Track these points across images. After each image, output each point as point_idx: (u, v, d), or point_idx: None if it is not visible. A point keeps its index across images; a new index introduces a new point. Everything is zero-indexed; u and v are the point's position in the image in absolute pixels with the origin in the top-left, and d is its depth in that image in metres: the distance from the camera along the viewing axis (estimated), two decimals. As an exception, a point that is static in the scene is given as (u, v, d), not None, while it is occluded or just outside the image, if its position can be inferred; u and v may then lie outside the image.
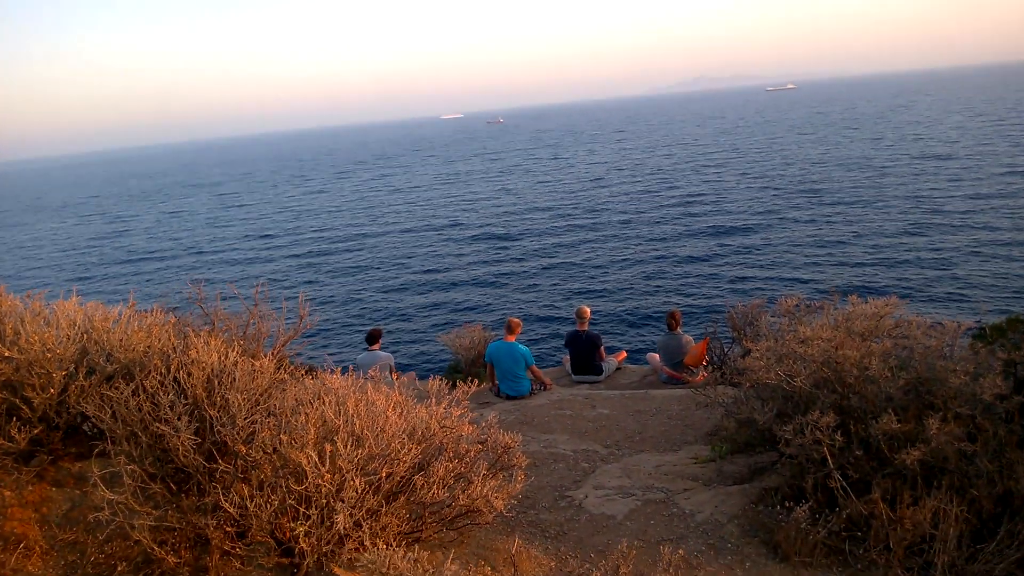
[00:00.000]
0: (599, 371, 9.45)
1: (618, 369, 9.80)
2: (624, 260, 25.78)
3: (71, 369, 4.35)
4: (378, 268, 28.90)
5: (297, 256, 33.36)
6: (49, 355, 4.12)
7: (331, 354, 18.51)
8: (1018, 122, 63.61)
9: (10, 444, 3.96)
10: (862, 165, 44.96)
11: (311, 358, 13.69)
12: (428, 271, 27.31)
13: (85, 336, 4.58)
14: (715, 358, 8.41)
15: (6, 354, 4.02)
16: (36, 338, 4.11)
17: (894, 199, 32.49)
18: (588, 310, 9.81)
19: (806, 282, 21.02)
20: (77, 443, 4.51)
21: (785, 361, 5.07)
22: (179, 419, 3.95)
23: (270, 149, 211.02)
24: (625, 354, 10.31)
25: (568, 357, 9.75)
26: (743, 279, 21.96)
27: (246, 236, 40.92)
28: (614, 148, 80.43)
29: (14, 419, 4.07)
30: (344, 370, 10.35)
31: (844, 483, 4.15)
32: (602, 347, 9.57)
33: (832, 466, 4.21)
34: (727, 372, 7.32)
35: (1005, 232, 24.50)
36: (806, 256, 23.93)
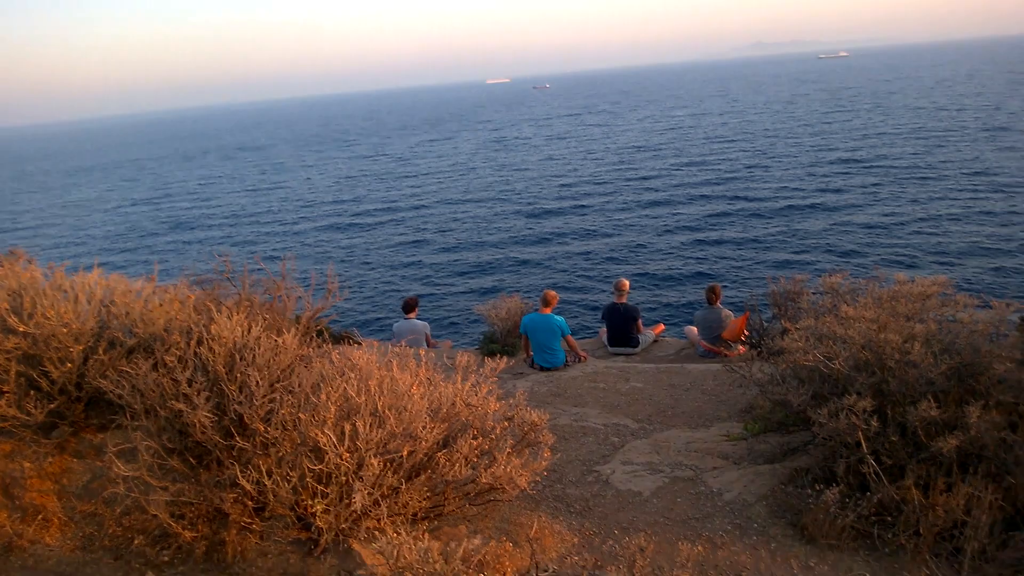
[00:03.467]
0: (635, 343, 9.30)
1: (655, 342, 9.64)
2: (667, 233, 25.29)
3: (91, 343, 4.39)
4: (419, 236, 28.95)
5: (339, 222, 33.54)
6: (66, 329, 4.13)
7: (368, 322, 18.69)
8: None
9: (27, 417, 4.02)
10: (919, 135, 43.21)
11: (347, 325, 13.85)
12: (468, 240, 27.22)
13: (105, 310, 4.61)
14: (754, 333, 8.18)
15: (21, 328, 4.06)
16: (52, 312, 4.13)
17: (951, 174, 31.11)
18: (627, 282, 9.64)
19: (853, 256, 20.36)
20: (99, 414, 4.58)
21: (824, 342, 4.87)
22: (198, 395, 3.97)
23: (315, 112, 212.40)
24: (663, 327, 10.13)
25: (605, 329, 9.61)
26: (789, 252, 21.39)
27: (288, 202, 41.28)
28: (665, 116, 78.62)
29: (32, 392, 4.13)
30: (381, 339, 10.36)
31: (877, 468, 3.97)
32: (639, 319, 9.40)
33: (866, 451, 4.04)
34: (765, 349, 7.11)
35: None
36: (858, 232, 23.11)
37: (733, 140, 49.70)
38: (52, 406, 4.11)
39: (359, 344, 9.01)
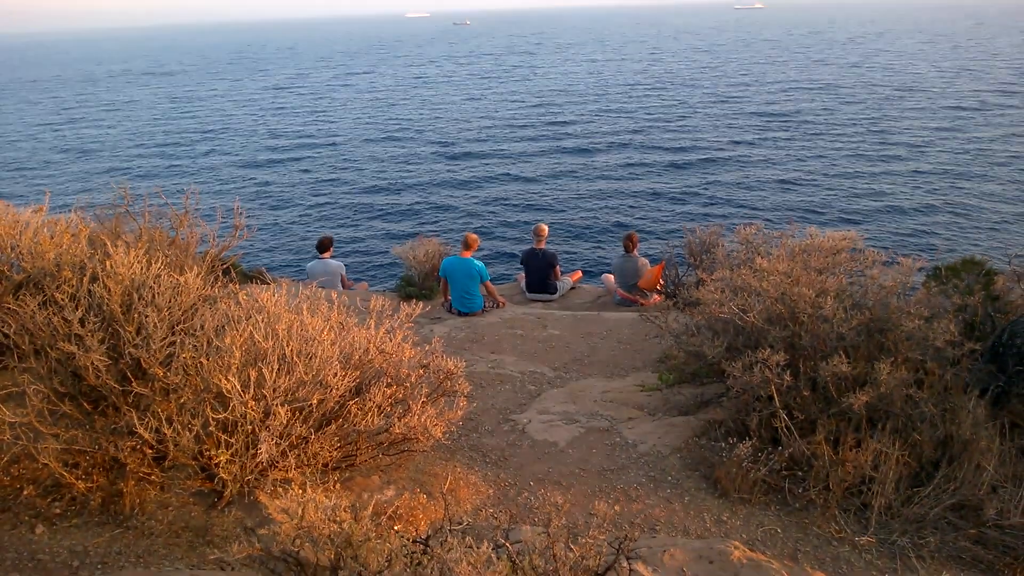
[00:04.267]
0: (553, 290, 9.32)
1: (572, 288, 9.68)
2: (585, 178, 25.28)
3: (-29, 277, 4.00)
4: (336, 174, 27.99)
5: (253, 157, 31.99)
6: (-62, 261, 3.73)
7: (281, 262, 18.09)
8: (975, 56, 63.49)
9: None
10: (830, 91, 44.64)
11: (258, 265, 13.32)
12: (387, 180, 26.48)
13: (-11, 241, 4.20)
14: (670, 283, 8.30)
15: None
16: (-76, 245, 3.72)
17: (860, 131, 32.41)
18: (546, 228, 9.59)
19: (767, 210, 20.99)
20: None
21: (739, 294, 4.95)
22: (91, 336, 3.68)
23: (227, 38, 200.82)
24: (580, 274, 10.17)
25: (523, 275, 9.58)
26: (704, 203, 21.80)
27: (196, 132, 39.05)
28: (586, 60, 78.17)
29: None
30: (294, 279, 9.99)
31: (789, 423, 4.08)
32: (558, 266, 9.40)
33: (779, 405, 4.14)
34: (680, 298, 7.23)
35: (959, 167, 24.73)
36: (772, 183, 23.79)
37: (652, 88, 50.00)
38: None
39: (269, 284, 8.66)
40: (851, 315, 4.40)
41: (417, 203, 23.15)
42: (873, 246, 5.77)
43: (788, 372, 4.16)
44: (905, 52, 71.85)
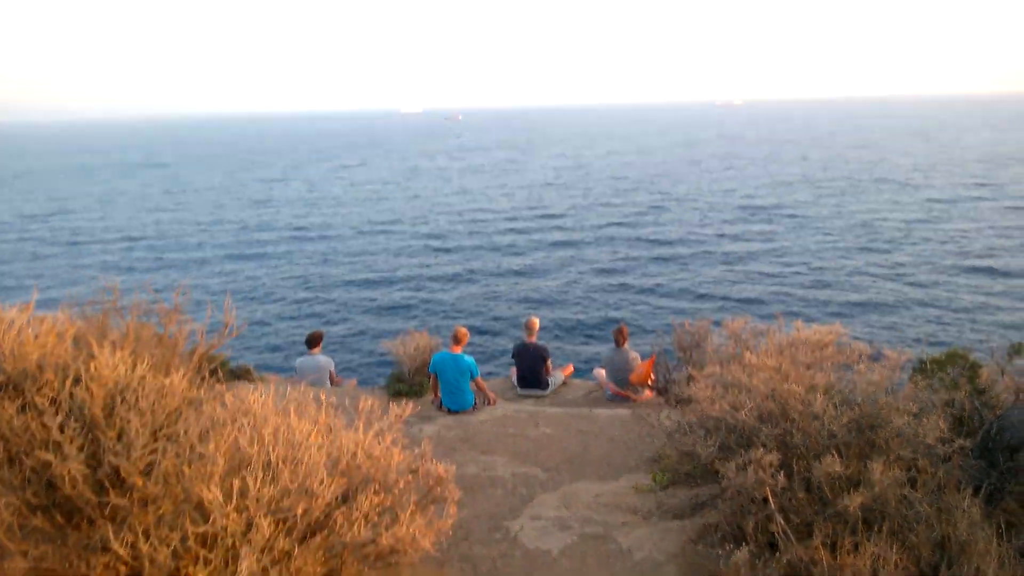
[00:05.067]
0: (545, 385, 9.24)
1: (564, 383, 9.60)
2: (575, 271, 25.56)
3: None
4: (325, 266, 28.21)
5: (245, 250, 32.23)
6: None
7: (270, 355, 17.95)
8: (945, 148, 65.87)
9: None
10: (813, 184, 45.98)
11: (247, 359, 13.20)
12: (375, 273, 26.68)
13: (-30, 342, 4.13)
14: (660, 378, 8.26)
15: None
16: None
17: (840, 222, 33.19)
18: (537, 321, 9.60)
19: (755, 302, 21.17)
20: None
21: (730, 391, 4.92)
22: (70, 443, 3.58)
23: (224, 131, 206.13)
24: (572, 368, 10.11)
25: (515, 369, 9.51)
26: (691, 297, 21.98)
27: (188, 224, 39.46)
28: (576, 155, 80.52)
29: None
30: (284, 375, 9.90)
31: (785, 527, 3.98)
32: (549, 360, 9.36)
33: (774, 507, 4.04)
34: (672, 395, 7.18)
35: (937, 259, 25.24)
36: (757, 276, 24.11)
37: (639, 181, 51.33)
38: None
39: (256, 383, 8.56)
40: (841, 412, 4.38)
41: (407, 297, 23.24)
42: (858, 339, 5.80)
43: (782, 472, 4.09)
44: (880, 146, 74.55)
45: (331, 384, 9.55)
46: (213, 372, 5.38)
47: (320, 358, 9.63)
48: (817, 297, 21.29)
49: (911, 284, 22.30)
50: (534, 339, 9.41)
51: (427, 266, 27.25)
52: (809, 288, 22.31)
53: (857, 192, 41.64)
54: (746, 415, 4.64)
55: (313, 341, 9.78)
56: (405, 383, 9.01)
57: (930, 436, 4.04)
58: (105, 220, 42.19)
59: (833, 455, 4.04)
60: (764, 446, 4.33)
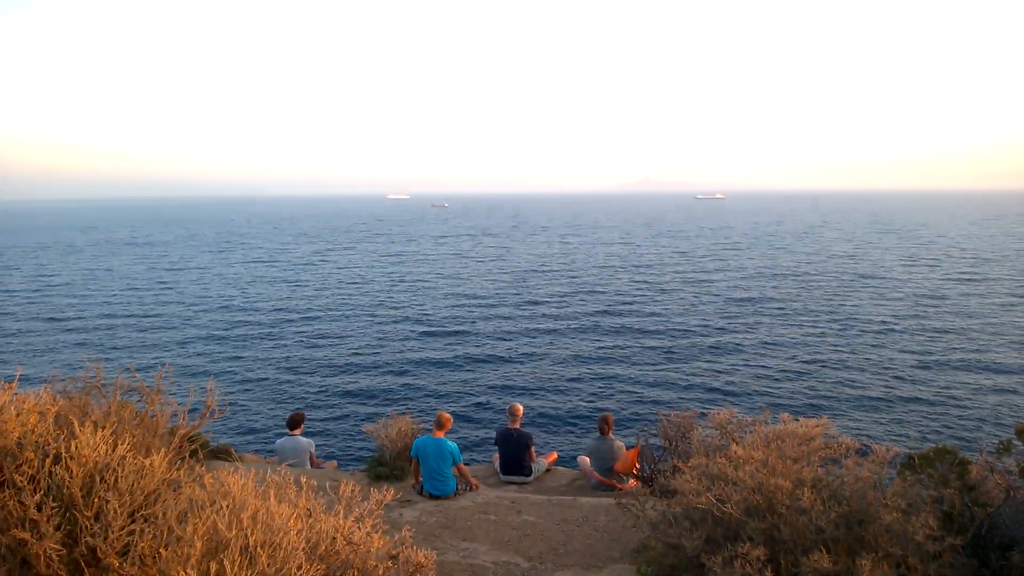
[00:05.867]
0: (528, 472, 9.12)
1: (548, 471, 9.48)
2: (559, 359, 25.56)
3: (-71, 456, 3.87)
4: (309, 348, 28.03)
5: (228, 331, 32.06)
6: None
7: (250, 433, 17.60)
8: (929, 244, 67.60)
9: None
10: (796, 276, 46.79)
11: (228, 438, 12.97)
12: (358, 356, 26.52)
13: (-48, 419, 4.09)
14: (645, 467, 8.19)
15: None
16: None
17: (826, 315, 33.60)
18: (520, 408, 9.56)
19: (740, 394, 21.17)
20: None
21: (716, 483, 4.90)
22: (47, 522, 3.51)
23: (211, 213, 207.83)
24: (555, 456, 10.00)
25: (497, 455, 9.40)
26: (676, 388, 21.94)
27: (175, 305, 39.30)
28: (560, 242, 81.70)
29: None
30: (263, 455, 9.75)
31: (774, 624, 3.90)
32: (533, 447, 9.27)
33: (757, 605, 3.97)
34: (657, 484, 7.11)
35: (923, 355, 25.48)
36: (742, 368, 24.20)
37: (623, 269, 52.01)
38: None
39: (236, 463, 8.39)
40: (829, 507, 4.36)
41: (390, 381, 23.04)
42: (845, 433, 5.81)
43: (769, 567, 4.03)
44: (863, 240, 76.37)
45: (311, 466, 9.37)
46: (193, 453, 5.32)
47: (301, 440, 9.49)
48: (803, 390, 21.32)
49: (898, 379, 22.42)
50: (518, 425, 9.35)
51: (411, 351, 27.12)
52: (795, 381, 22.36)
53: (842, 285, 42.37)
54: (733, 508, 4.61)
55: (295, 422, 9.65)
56: (386, 467, 8.87)
57: (920, 533, 4.02)
58: (88, 298, 41.92)
59: (821, 551, 4.00)
60: (751, 540, 4.29)
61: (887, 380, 22.24)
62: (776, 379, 22.53)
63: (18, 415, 4.33)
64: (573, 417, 18.93)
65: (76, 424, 4.18)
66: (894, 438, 16.86)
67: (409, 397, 21.10)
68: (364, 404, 20.37)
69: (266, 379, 23.33)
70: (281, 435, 10.02)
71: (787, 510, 4.42)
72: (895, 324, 30.76)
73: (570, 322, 32.34)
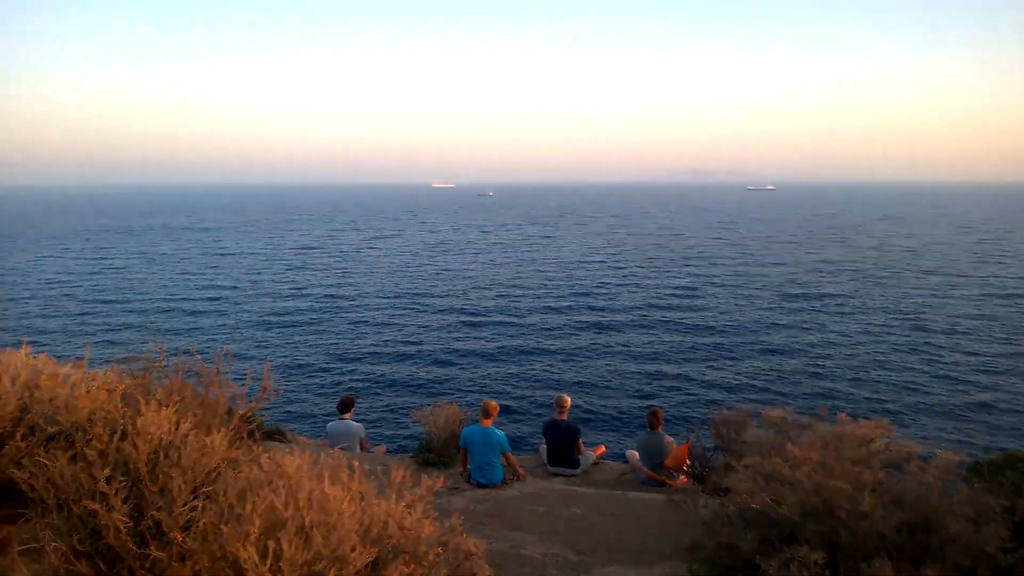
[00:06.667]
0: (576, 464, 9.07)
1: (595, 464, 9.42)
2: (607, 352, 25.37)
3: (7, 427, 4.04)
4: (357, 335, 28.43)
5: (281, 315, 32.74)
6: (-16, 412, 3.80)
7: (301, 416, 17.95)
8: (994, 239, 65.12)
9: None
10: (855, 270, 45.56)
11: (279, 420, 13.24)
12: (407, 342, 26.79)
13: (28, 393, 4.26)
14: (696, 463, 8.08)
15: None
16: (-30, 393, 3.80)
17: (886, 313, 32.62)
18: (568, 399, 9.49)
19: (795, 394, 20.71)
20: (7, 504, 4.15)
21: (772, 484, 4.79)
22: (115, 495, 3.62)
23: (263, 199, 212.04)
24: (604, 448, 9.93)
25: (545, 446, 9.38)
26: (728, 385, 21.55)
27: (228, 290, 40.27)
28: (606, 234, 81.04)
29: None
30: (314, 438, 9.90)
31: (832, 630, 3.81)
32: (581, 439, 9.22)
33: (821, 610, 3.87)
34: (709, 482, 7.01)
35: (986, 356, 24.53)
36: (798, 366, 23.65)
37: (674, 262, 51.34)
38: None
39: (290, 444, 8.56)
40: (892, 512, 4.23)
41: (435, 371, 23.23)
42: (905, 436, 5.63)
43: (828, 572, 3.93)
44: (925, 234, 73.93)
45: (361, 450, 9.50)
46: (251, 434, 5.43)
47: (351, 424, 9.62)
48: (861, 391, 20.74)
49: (964, 381, 21.64)
50: (565, 417, 9.29)
51: (456, 340, 27.27)
52: (853, 381, 21.77)
53: (903, 281, 41.03)
54: (789, 510, 4.51)
55: (345, 406, 9.79)
56: (434, 453, 8.93)
57: (991, 544, 3.86)
58: (145, 282, 43.26)
59: (884, 558, 3.88)
60: (808, 543, 4.19)
61: (952, 382, 21.51)
62: (833, 379, 22.00)
63: (88, 392, 4.49)
64: (620, 412, 18.79)
65: (142, 402, 4.31)
66: (959, 443, 16.31)
67: (454, 388, 21.23)
68: (408, 393, 20.59)
69: (313, 364, 23.76)
70: (329, 419, 10.17)
71: (847, 514, 4.30)
72: (960, 323, 29.68)
73: (618, 316, 32.05)
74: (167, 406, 4.39)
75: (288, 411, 18.53)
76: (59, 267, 49.62)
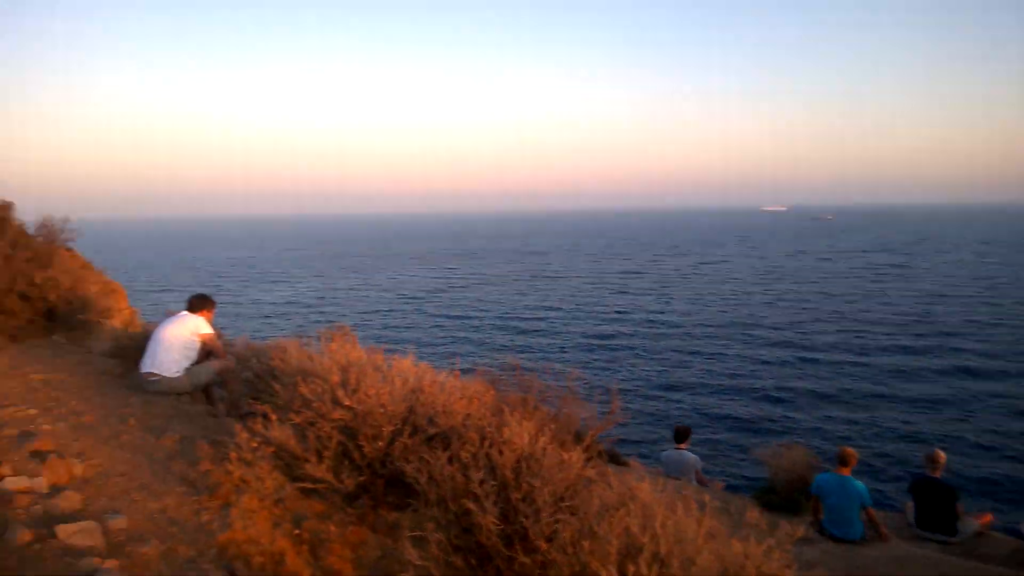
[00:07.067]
0: (954, 530, 7.70)
1: (979, 534, 7.91)
2: (981, 402, 21.35)
3: (399, 426, 4.56)
4: (681, 361, 28.03)
5: (595, 338, 33.83)
6: (382, 410, 4.35)
7: (630, 441, 18.10)
8: None
9: (340, 485, 4.29)
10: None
11: (614, 443, 13.45)
12: (734, 375, 25.59)
13: (413, 396, 4.78)
14: None
15: (347, 403, 4.33)
16: (373, 392, 4.36)
17: None
18: (944, 455, 8.13)
19: None
20: (396, 494, 4.69)
21: None
22: (487, 497, 3.86)
23: (592, 225, 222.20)
24: (991, 517, 8.30)
25: (912, 504, 8.14)
26: None
27: (567, 310, 42.77)
28: (973, 263, 68.43)
29: (346, 462, 4.38)
30: (646, 464, 9.84)
31: None
32: (960, 504, 7.82)
33: None
34: None
35: None
36: None
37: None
38: (361, 479, 4.36)
39: (628, 466, 8.61)
40: None
41: (768, 405, 21.79)
42: None
43: None
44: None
45: (697, 482, 9.20)
46: (599, 454, 5.50)
47: (687, 454, 9.37)
48: None
49: None
50: (939, 474, 7.98)
51: (789, 378, 25.31)
52: None
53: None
54: None
55: (681, 435, 9.58)
56: (777, 496, 8.29)
57: None
58: (493, 301, 48.01)
59: None
60: None
61: None
62: None
63: (462, 398, 4.91)
64: (1003, 478, 15.63)
65: (507, 413, 4.59)
66: None
67: (788, 428, 19.60)
68: (738, 429, 19.47)
69: (635, 390, 23.83)
70: (655, 447, 10.03)
71: None
72: None
73: (996, 363, 26.79)
74: (527, 419, 4.63)
75: (619, 436, 18.80)
76: (417, 284, 57.68)
